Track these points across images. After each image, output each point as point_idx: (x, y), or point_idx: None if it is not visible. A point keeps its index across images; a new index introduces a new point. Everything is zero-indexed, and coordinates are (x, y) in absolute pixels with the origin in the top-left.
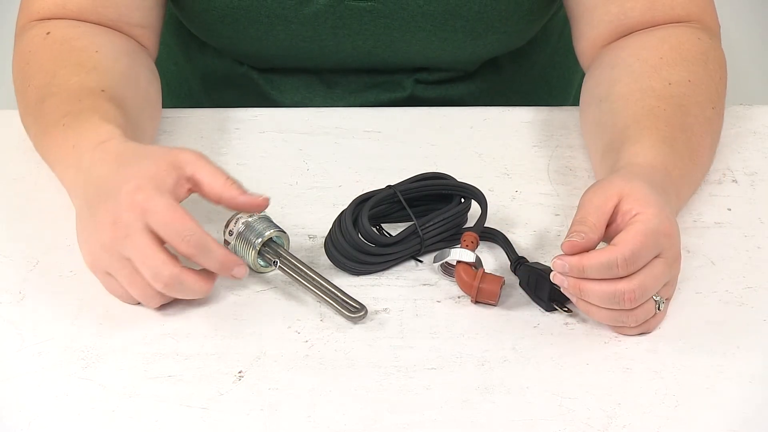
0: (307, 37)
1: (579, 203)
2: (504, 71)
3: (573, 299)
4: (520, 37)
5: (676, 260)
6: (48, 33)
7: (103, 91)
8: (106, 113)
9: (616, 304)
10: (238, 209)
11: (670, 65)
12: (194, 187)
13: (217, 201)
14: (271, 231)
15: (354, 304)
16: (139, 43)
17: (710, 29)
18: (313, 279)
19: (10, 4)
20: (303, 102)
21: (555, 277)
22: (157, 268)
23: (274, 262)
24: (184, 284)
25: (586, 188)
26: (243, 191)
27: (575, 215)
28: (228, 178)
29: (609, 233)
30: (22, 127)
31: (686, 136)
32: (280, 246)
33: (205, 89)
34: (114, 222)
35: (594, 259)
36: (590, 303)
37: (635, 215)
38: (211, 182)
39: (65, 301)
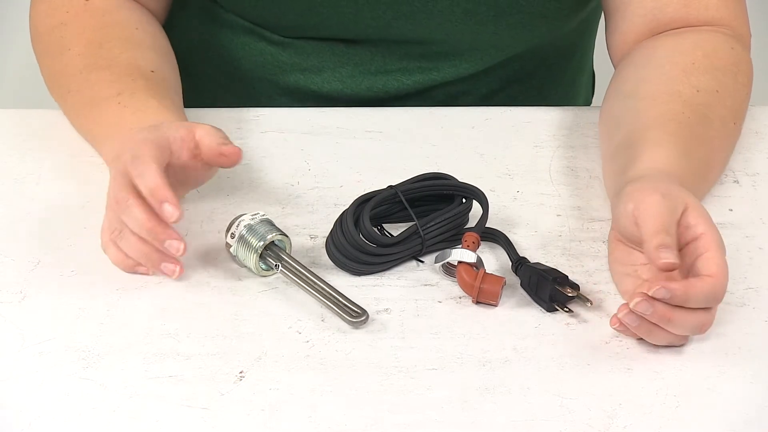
0: (326, 2)
1: (641, 210)
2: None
3: (632, 325)
4: (544, 25)
5: None
6: (87, 0)
7: (152, 72)
8: (163, 98)
9: (692, 333)
10: (214, 163)
11: (700, 72)
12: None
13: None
14: (273, 234)
15: (356, 309)
16: (150, 12)
17: (741, 37)
18: (315, 283)
19: (10, 4)
20: (312, 69)
21: (640, 305)
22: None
23: (276, 265)
24: (129, 207)
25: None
26: (222, 142)
27: (650, 226)
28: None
29: None
30: (22, 125)
31: (704, 150)
32: (282, 250)
33: (221, 69)
34: None
35: (699, 290)
36: (664, 330)
37: (702, 234)
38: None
39: (66, 301)
